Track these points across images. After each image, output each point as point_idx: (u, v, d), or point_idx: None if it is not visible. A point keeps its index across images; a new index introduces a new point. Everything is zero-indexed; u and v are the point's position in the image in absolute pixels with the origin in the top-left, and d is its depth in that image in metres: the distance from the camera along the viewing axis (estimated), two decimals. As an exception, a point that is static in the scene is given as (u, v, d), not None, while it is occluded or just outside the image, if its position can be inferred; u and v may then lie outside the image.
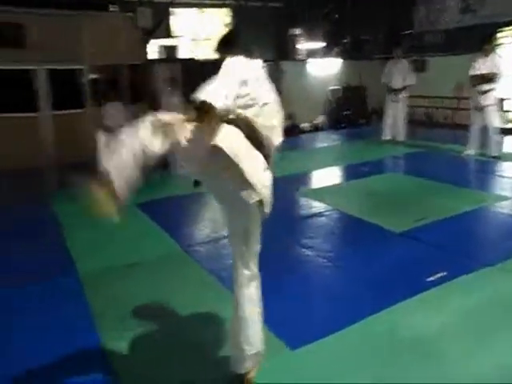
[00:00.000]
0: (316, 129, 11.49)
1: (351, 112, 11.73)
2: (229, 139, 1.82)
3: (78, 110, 9.20)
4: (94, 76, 9.54)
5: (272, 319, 2.72)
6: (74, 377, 2.36)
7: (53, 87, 8.88)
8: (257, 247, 2.12)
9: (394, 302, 2.90)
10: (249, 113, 1.92)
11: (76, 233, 4.57)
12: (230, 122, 1.87)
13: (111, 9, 10.63)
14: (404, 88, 8.32)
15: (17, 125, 8.64)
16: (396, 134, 8.48)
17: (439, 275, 3.22)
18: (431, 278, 3.19)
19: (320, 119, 11.81)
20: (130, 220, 4.83)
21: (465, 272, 3.26)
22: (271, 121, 2.01)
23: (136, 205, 5.16)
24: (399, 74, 8.27)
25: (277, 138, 2.03)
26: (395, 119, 8.42)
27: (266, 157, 1.97)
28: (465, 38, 9.84)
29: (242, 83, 1.85)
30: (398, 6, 12.26)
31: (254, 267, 2.13)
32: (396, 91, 8.31)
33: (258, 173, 1.90)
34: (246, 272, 2.10)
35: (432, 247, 3.78)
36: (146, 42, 10.07)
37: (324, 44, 13.44)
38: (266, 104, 1.97)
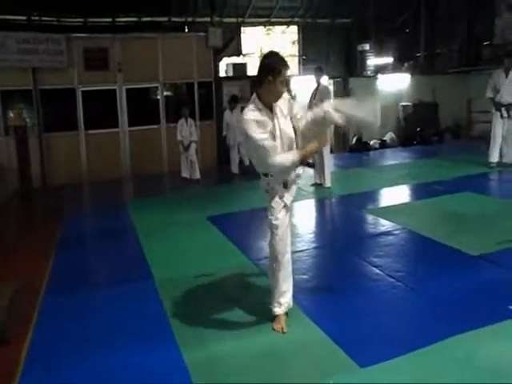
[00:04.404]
0: (384, 146, 11.24)
1: (423, 129, 11.34)
2: None
3: (153, 126, 9.77)
4: (167, 93, 10.09)
5: (341, 336, 2.71)
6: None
7: (130, 105, 9.51)
8: None
9: (469, 328, 2.73)
10: None
11: (151, 241, 4.84)
12: None
13: (186, 30, 11.23)
14: None
15: (102, 140, 9.38)
16: (505, 156, 7.50)
17: (524, 304, 3.00)
18: (514, 306, 2.98)
19: (389, 136, 11.54)
20: (199, 232, 5.03)
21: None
22: None
23: (206, 218, 5.35)
24: (511, 86, 7.28)
25: None
26: (506, 139, 7.42)
27: None
28: None
29: None
30: (476, 16, 11.73)
31: None
32: (507, 106, 7.35)
33: None
34: None
35: (515, 273, 3.53)
36: (217, 60, 10.49)
37: (394, 59, 13.17)
38: None
